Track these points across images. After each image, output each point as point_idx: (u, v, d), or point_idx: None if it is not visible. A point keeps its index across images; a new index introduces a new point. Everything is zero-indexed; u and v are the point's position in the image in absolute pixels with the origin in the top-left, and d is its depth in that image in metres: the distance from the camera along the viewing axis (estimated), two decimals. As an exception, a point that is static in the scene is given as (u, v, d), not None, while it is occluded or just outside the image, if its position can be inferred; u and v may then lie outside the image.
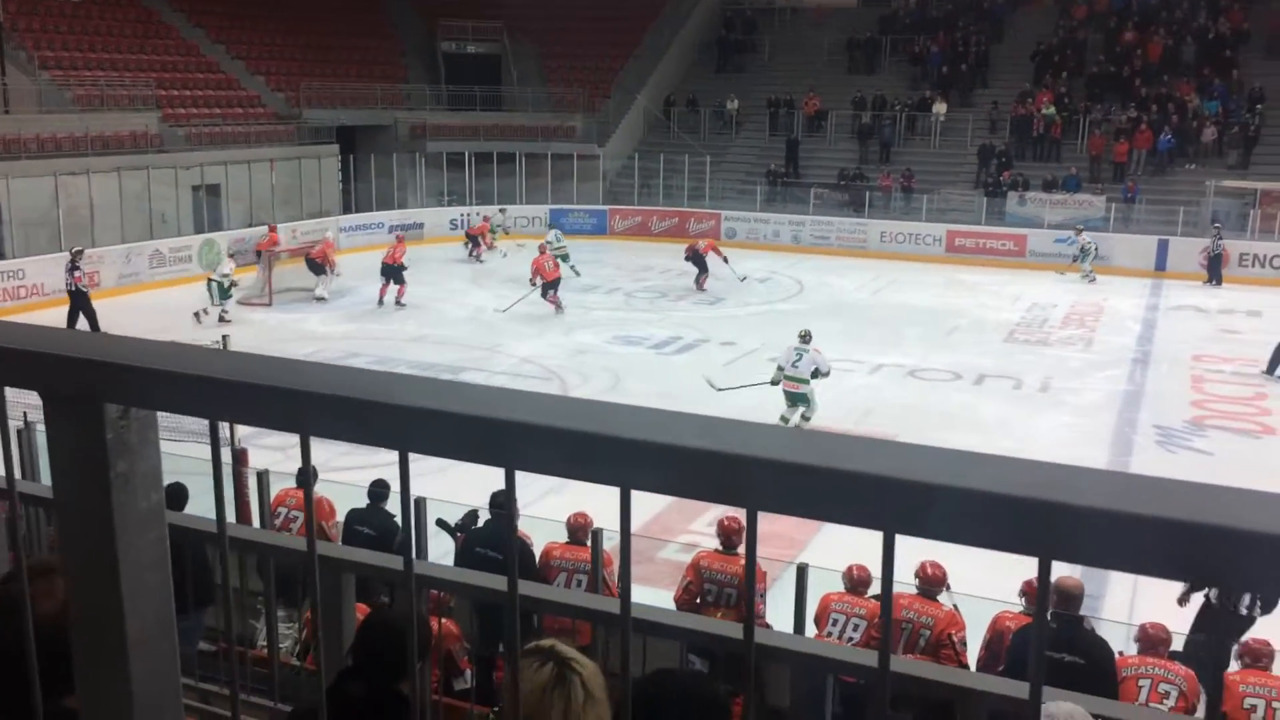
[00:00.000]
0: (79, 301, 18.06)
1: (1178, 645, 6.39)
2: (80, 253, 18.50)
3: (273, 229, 23.39)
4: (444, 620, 5.25)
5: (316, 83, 30.87)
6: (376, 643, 2.45)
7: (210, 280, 19.75)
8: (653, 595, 7.37)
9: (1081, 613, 5.94)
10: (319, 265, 21.72)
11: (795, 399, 13.45)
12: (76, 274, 18.11)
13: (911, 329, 19.93)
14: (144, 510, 1.09)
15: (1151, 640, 5.98)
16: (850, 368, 16.83)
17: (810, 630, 6.45)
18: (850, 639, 6.62)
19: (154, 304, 20.67)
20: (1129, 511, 0.72)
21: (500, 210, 28.89)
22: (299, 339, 18.31)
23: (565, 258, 22.98)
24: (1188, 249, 25.95)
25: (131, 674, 1.14)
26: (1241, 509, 0.71)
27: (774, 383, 13.48)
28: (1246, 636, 6.11)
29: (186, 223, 24.73)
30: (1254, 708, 5.43)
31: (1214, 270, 24.74)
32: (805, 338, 13.51)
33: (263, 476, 7.87)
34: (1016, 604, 6.72)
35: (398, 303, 20.98)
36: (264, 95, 30.27)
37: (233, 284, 19.71)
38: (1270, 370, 17.24)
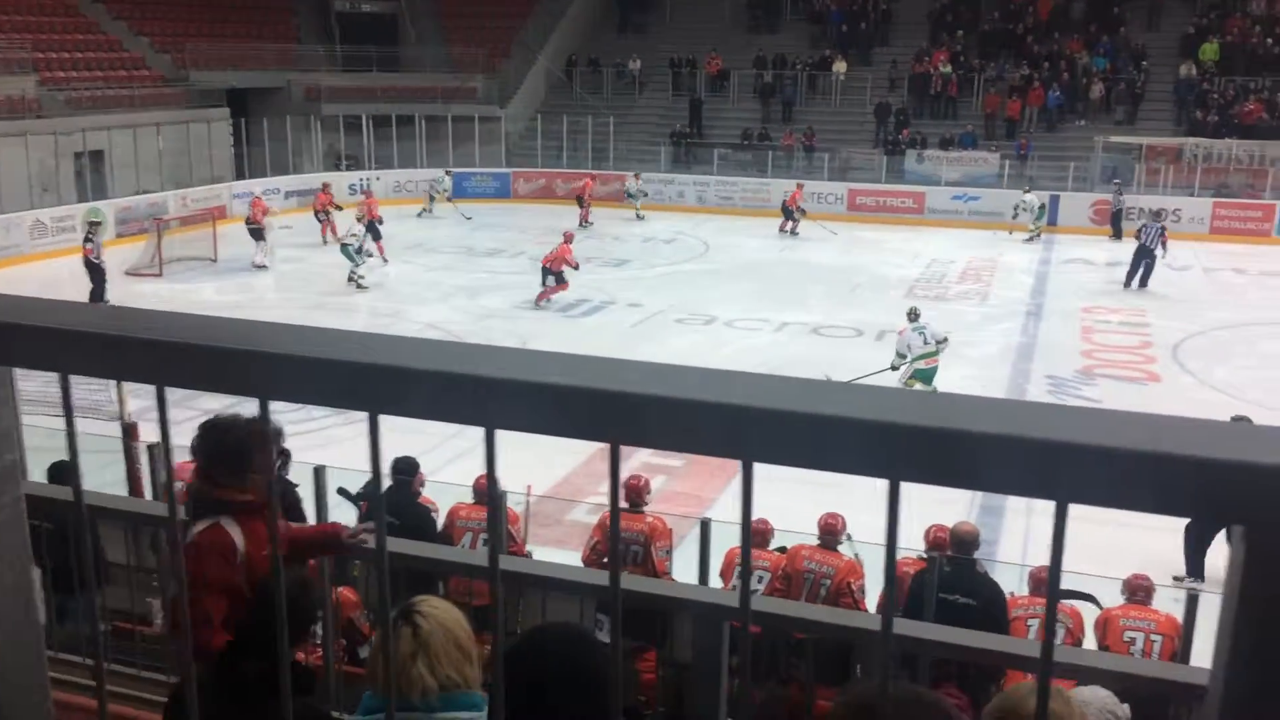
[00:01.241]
0: (94, 274, 17.65)
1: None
2: (96, 225, 18.17)
3: (325, 187, 23.86)
4: (342, 589, 5.19)
5: (204, 44, 29.77)
6: (263, 611, 2.42)
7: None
8: (562, 556, 7.40)
9: (975, 556, 6.14)
10: (259, 230, 21.16)
11: (926, 376, 12.99)
12: (88, 246, 17.76)
13: (815, 287, 20.21)
14: (-2, 471, 1.05)
15: (1039, 582, 6.23)
16: (756, 326, 17.02)
17: (716, 584, 6.54)
18: (754, 590, 6.75)
19: (37, 276, 19.85)
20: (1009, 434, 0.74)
21: (446, 173, 28.54)
22: (193, 310, 17.79)
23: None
24: (1078, 204, 26.76)
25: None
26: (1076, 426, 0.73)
27: (894, 368, 13.23)
28: (1128, 574, 6.40)
29: (69, 191, 23.71)
30: (1133, 640, 5.70)
31: (1116, 225, 25.40)
32: (914, 315, 13.35)
33: (154, 450, 7.64)
34: (917, 551, 6.92)
35: (382, 260, 21.03)
36: (149, 57, 29.10)
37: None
38: (1127, 284, 20.21)
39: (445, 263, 22.10)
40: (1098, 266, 22.59)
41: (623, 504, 6.03)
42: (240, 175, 28.03)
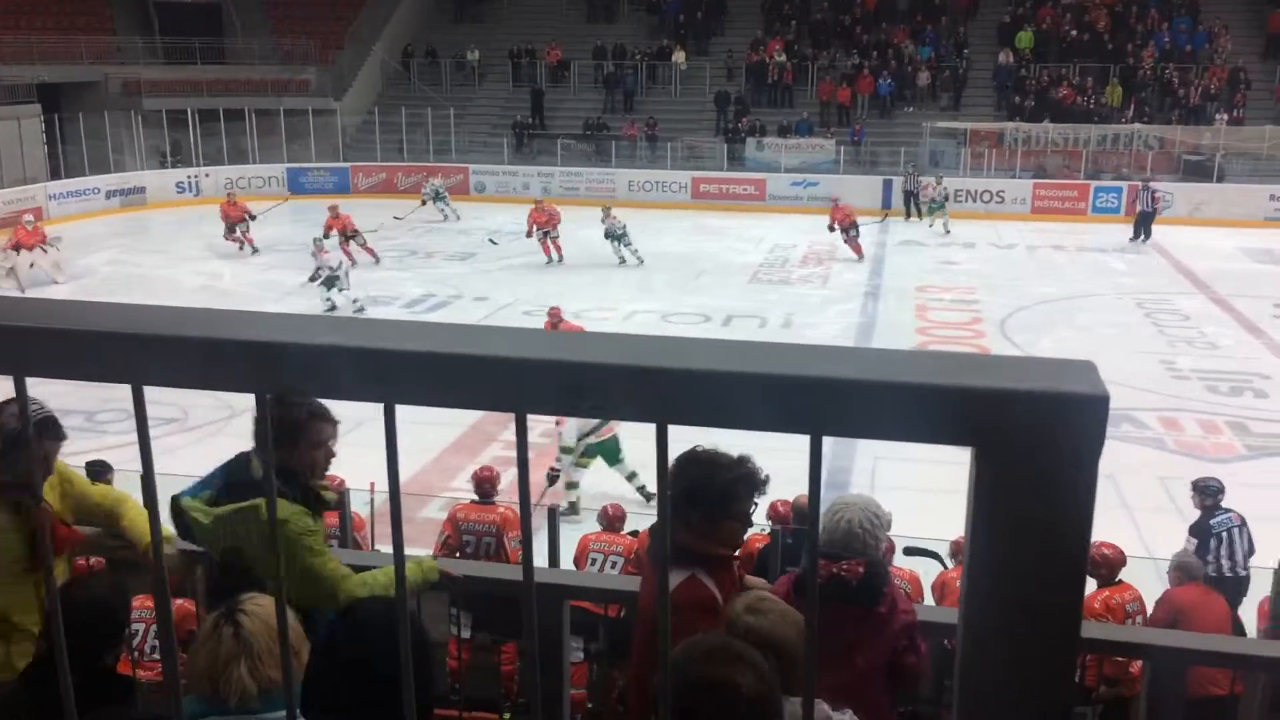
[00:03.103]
0: None
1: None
2: None
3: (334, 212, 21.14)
4: (181, 600, 4.99)
5: (9, 36, 27.96)
6: (72, 617, 2.31)
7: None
8: (413, 555, 7.29)
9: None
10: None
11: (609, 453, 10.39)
12: None
13: (661, 275, 20.44)
14: None
15: (954, 549, 6.53)
16: (604, 316, 17.09)
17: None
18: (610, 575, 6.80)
19: None
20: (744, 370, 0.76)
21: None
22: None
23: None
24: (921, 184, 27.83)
25: None
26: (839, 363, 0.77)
27: (552, 479, 10.21)
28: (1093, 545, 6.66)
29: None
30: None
31: (909, 206, 26.59)
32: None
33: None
34: (764, 528, 7.11)
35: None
36: (-52, 50, 27.20)
37: None
38: (1134, 238, 23.48)
39: (285, 261, 21.41)
40: (930, 247, 23.55)
41: (473, 496, 6.00)
42: (56, 175, 26.51)
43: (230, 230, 21.63)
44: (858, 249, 21.64)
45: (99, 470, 7.87)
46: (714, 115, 31.04)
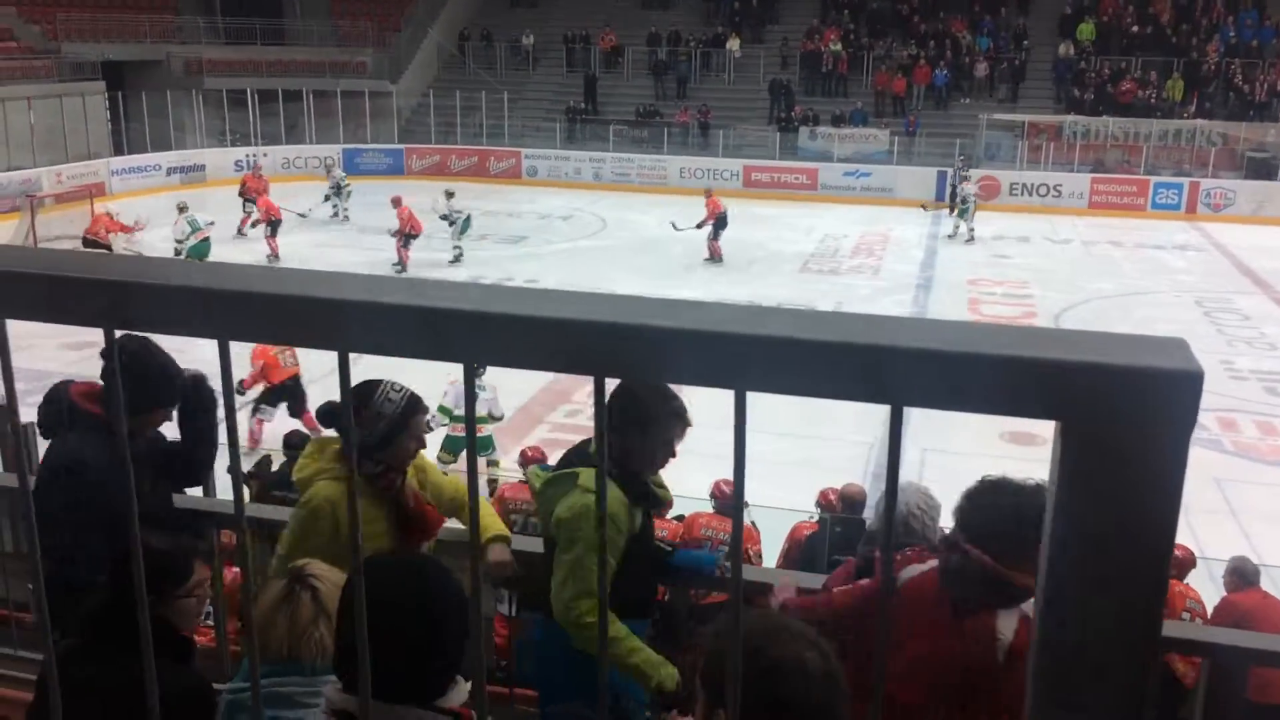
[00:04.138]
0: None
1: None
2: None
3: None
4: (236, 569, 5.07)
5: (76, 14, 28.48)
6: (126, 563, 2.36)
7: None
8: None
9: (864, 516, 6.29)
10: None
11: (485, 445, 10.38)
12: None
13: (712, 263, 20.38)
14: None
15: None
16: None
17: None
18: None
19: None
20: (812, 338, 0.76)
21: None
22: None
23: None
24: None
25: None
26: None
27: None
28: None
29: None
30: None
31: (954, 200, 25.80)
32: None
33: (27, 430, 7.32)
34: (813, 515, 7.09)
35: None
36: (17, 28, 27.72)
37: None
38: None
39: (335, 239, 21.66)
40: (983, 240, 23.25)
41: (520, 476, 6.00)
42: (119, 151, 26.99)
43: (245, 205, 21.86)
44: (716, 249, 20.30)
45: None
46: (767, 103, 30.84)
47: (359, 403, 2.97)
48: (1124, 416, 0.71)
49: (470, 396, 0.92)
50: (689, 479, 7.92)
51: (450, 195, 20.29)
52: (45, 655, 1.24)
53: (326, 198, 23.54)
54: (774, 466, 8.02)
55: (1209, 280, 19.85)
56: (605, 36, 32.78)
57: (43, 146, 24.59)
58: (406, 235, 19.29)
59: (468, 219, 20.08)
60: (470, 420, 0.93)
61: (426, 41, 33.14)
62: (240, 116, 29.24)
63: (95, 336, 0.95)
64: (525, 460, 7.46)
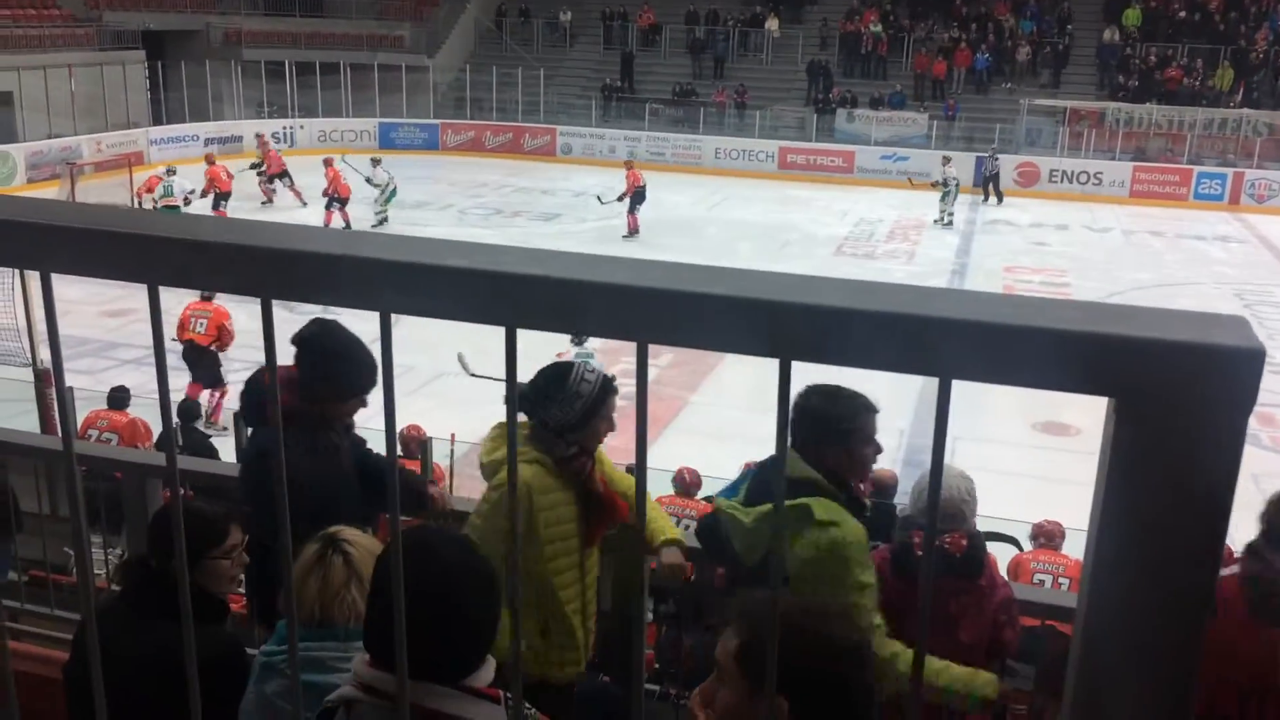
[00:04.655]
0: None
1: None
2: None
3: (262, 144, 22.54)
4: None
5: (118, -17, 28.69)
6: (159, 526, 2.40)
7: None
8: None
9: (896, 502, 6.26)
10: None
11: None
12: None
13: (745, 244, 20.31)
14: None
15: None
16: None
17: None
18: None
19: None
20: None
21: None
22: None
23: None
24: (1003, 165, 27.12)
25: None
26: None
27: None
28: (1041, 519, 6.62)
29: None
30: (1042, 583, 5.91)
31: (988, 188, 25.38)
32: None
33: (66, 395, 7.42)
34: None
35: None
36: (60, -4, 27.98)
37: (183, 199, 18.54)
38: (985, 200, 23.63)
39: (371, 213, 21.74)
40: (1021, 227, 23.01)
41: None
42: (157, 121, 27.20)
43: (269, 180, 22.14)
44: (633, 223, 20.18)
45: (120, 397, 8.08)
46: (805, 85, 30.60)
47: (554, 384, 2.96)
48: (1181, 394, 0.69)
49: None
50: (715, 458, 7.92)
51: (376, 162, 20.64)
52: (85, 616, 1.25)
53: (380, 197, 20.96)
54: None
55: (1250, 272, 19.54)
56: (643, 14, 32.62)
57: (83, 114, 24.82)
58: (332, 198, 19.80)
59: (394, 188, 20.35)
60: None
61: (464, 17, 33.11)
62: (278, 88, 29.38)
63: (135, 304, 0.95)
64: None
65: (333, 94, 29.67)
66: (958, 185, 22.78)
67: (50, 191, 20.50)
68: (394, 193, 20.32)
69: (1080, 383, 0.72)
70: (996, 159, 25.62)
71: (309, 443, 2.99)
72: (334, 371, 3.01)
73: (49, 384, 8.17)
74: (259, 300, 0.88)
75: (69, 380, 8.69)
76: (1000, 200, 25.12)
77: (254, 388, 3.20)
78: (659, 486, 7.18)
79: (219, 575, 2.43)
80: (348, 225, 19.42)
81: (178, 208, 18.43)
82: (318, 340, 2.98)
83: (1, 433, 3.86)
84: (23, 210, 0.91)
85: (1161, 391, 0.70)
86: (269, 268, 0.85)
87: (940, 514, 2.98)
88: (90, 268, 0.88)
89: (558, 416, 2.94)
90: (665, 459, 7.84)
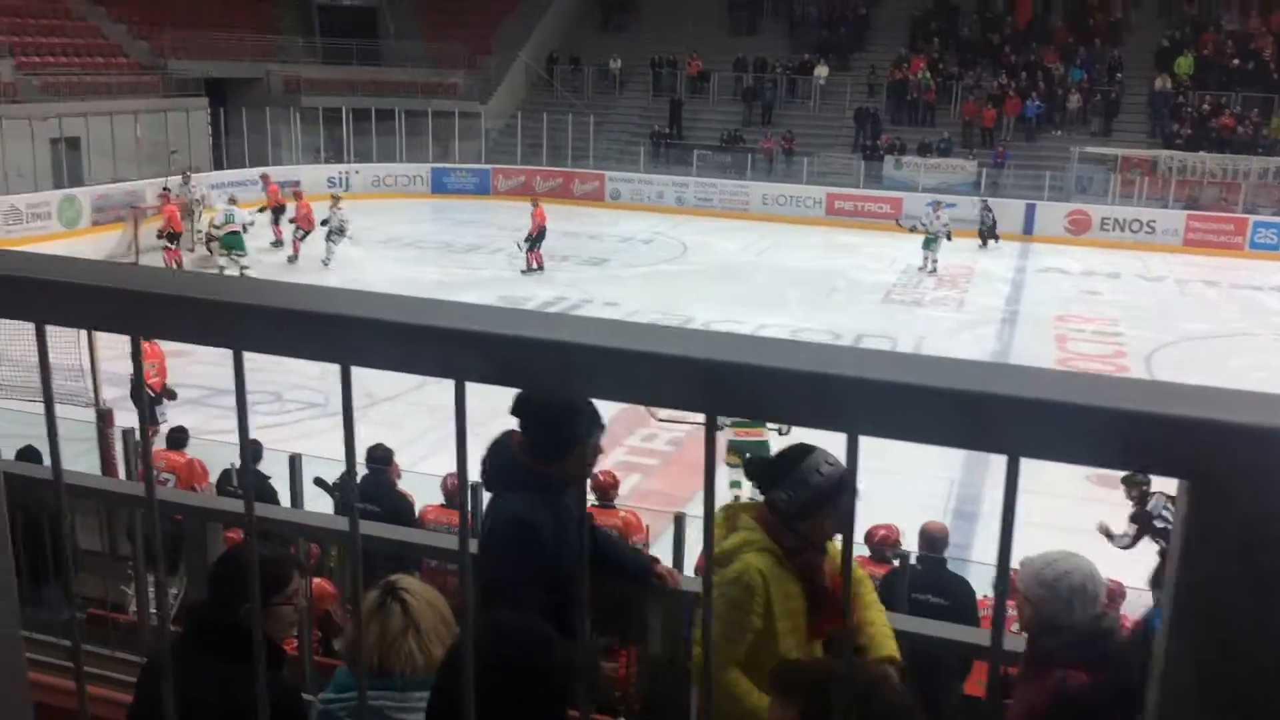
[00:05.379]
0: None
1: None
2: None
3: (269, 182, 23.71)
4: (318, 579, 5.18)
5: (183, 33, 29.54)
6: (225, 569, 2.43)
7: (211, 239, 19.63)
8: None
9: (945, 555, 6.19)
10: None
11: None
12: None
13: (793, 290, 20.28)
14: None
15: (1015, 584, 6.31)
16: (732, 328, 17.05)
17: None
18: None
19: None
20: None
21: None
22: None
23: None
24: (1054, 213, 26.99)
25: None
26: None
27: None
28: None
29: (45, 178, 23.50)
30: None
31: (988, 234, 25.35)
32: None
33: (128, 435, 7.60)
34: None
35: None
36: (126, 44, 28.86)
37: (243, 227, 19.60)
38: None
39: (422, 257, 22.05)
40: (1072, 275, 22.78)
41: (592, 500, 6.04)
42: (218, 165, 27.85)
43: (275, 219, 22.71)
44: (536, 259, 20.68)
45: (179, 438, 8.17)
46: (852, 131, 30.67)
47: (787, 464, 2.79)
48: (1258, 479, 0.69)
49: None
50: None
51: (336, 200, 21.38)
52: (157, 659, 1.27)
53: (330, 234, 20.93)
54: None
55: (1310, 324, 19.16)
56: (692, 62, 32.94)
57: (147, 159, 25.49)
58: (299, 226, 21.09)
59: (343, 230, 20.91)
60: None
61: (516, 64, 33.65)
62: (334, 134, 30.00)
63: (193, 346, 0.99)
64: (596, 486, 7.36)
65: (387, 140, 30.24)
66: (948, 233, 22.47)
67: (115, 234, 21.02)
68: (341, 233, 20.92)
69: (1152, 464, 0.72)
70: (989, 210, 25.52)
71: (549, 507, 2.85)
72: (547, 427, 2.84)
73: (111, 424, 8.33)
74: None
75: (128, 420, 8.87)
76: (997, 241, 25.14)
77: (497, 452, 3.00)
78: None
79: (280, 621, 2.45)
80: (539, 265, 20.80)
81: (238, 233, 19.47)
82: (528, 399, 2.81)
83: (73, 475, 3.94)
84: (115, 277, 0.95)
85: (1237, 476, 0.70)
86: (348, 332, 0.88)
87: (1064, 612, 2.72)
88: (180, 333, 0.92)
89: (784, 501, 2.76)
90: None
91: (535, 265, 20.65)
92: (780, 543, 2.80)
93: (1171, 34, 30.69)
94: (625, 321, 0.88)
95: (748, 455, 10.04)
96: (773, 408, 0.84)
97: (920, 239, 22.51)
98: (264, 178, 24.27)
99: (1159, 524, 8.01)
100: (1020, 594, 2.78)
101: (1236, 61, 29.42)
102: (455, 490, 7.39)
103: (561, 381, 0.84)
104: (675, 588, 3.29)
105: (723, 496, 10.43)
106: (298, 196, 21.75)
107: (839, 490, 2.72)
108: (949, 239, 22.40)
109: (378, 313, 0.86)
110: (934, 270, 22.14)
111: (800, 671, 1.68)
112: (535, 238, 20.64)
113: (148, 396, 10.14)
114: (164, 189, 21.96)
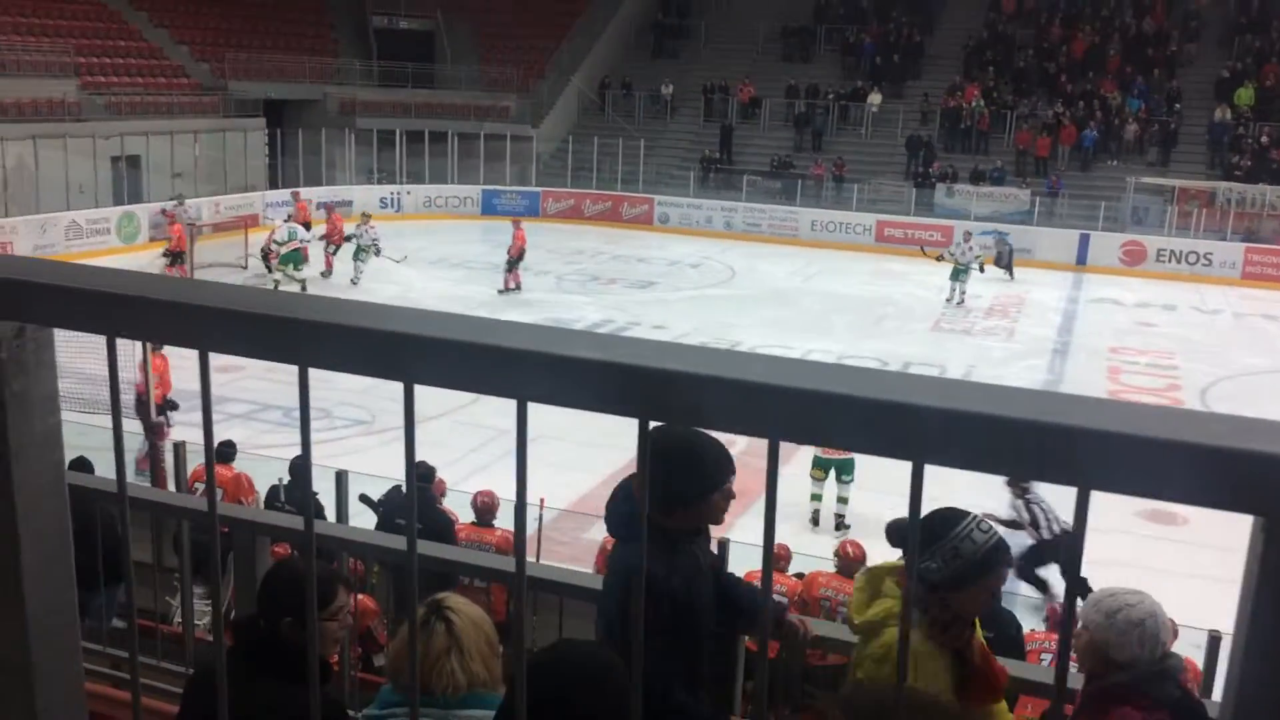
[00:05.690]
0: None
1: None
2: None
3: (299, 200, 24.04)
4: (361, 596, 5.21)
5: (243, 54, 30.19)
6: (274, 583, 2.44)
7: (270, 254, 20.12)
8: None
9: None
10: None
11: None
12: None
13: (840, 317, 20.18)
14: (40, 433, 1.08)
15: (1058, 619, 6.19)
16: (779, 353, 16.98)
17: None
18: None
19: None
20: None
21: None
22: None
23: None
24: (1109, 243, 26.64)
25: (27, 602, 1.12)
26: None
27: None
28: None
29: (105, 194, 24.06)
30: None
31: (1001, 263, 24.83)
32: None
33: (179, 448, 7.71)
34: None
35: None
36: (188, 65, 29.53)
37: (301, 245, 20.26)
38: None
39: (470, 277, 22.23)
40: (1126, 307, 22.45)
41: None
42: (274, 185, 28.35)
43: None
44: (515, 279, 20.65)
45: (227, 452, 8.23)
46: (904, 159, 30.53)
47: (937, 531, 2.59)
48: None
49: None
50: (812, 541, 7.80)
51: (366, 217, 21.63)
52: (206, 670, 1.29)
53: (357, 253, 21.05)
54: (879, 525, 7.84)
55: (1373, 360, 18.70)
56: (744, 88, 33.02)
57: (205, 178, 26.01)
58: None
59: (371, 248, 21.03)
60: None
61: (568, 89, 33.95)
62: (388, 155, 30.42)
63: (243, 360, 1.00)
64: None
65: (439, 161, 30.60)
66: (980, 265, 21.89)
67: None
68: (366, 252, 21.07)
69: (1227, 499, 0.70)
70: (1008, 243, 25.29)
71: (669, 557, 2.67)
72: (669, 477, 2.57)
73: (161, 437, 8.46)
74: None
75: (178, 434, 9.02)
76: (1011, 275, 24.53)
77: (623, 497, 2.85)
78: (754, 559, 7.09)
79: (327, 637, 2.47)
80: (517, 285, 20.85)
81: (299, 251, 20.08)
82: (655, 446, 2.59)
83: (137, 489, 4.00)
84: (183, 292, 0.97)
85: (1316, 513, 0.68)
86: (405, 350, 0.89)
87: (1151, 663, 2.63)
88: (246, 349, 0.93)
89: (934, 571, 2.56)
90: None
91: (513, 285, 20.62)
92: (927, 613, 2.60)
93: (1232, 64, 30.25)
94: (682, 344, 0.88)
95: (844, 477, 10.21)
96: (837, 433, 0.83)
97: (949, 268, 22.00)
98: (294, 194, 24.56)
99: (1037, 512, 8.83)
100: (1079, 621, 2.71)
101: (1299, 93, 28.96)
102: (485, 508, 7.43)
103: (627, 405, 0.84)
104: (807, 637, 3.14)
105: (801, 511, 10.44)
106: (329, 210, 22.09)
107: (996, 559, 2.58)
108: (981, 270, 21.89)
109: (442, 332, 0.87)
110: (961, 302, 21.58)
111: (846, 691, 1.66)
112: (515, 259, 20.69)
113: (154, 407, 10.28)
114: (165, 210, 22.33)
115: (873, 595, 2.69)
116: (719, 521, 2.76)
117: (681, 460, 2.55)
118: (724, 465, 2.64)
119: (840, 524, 10.34)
